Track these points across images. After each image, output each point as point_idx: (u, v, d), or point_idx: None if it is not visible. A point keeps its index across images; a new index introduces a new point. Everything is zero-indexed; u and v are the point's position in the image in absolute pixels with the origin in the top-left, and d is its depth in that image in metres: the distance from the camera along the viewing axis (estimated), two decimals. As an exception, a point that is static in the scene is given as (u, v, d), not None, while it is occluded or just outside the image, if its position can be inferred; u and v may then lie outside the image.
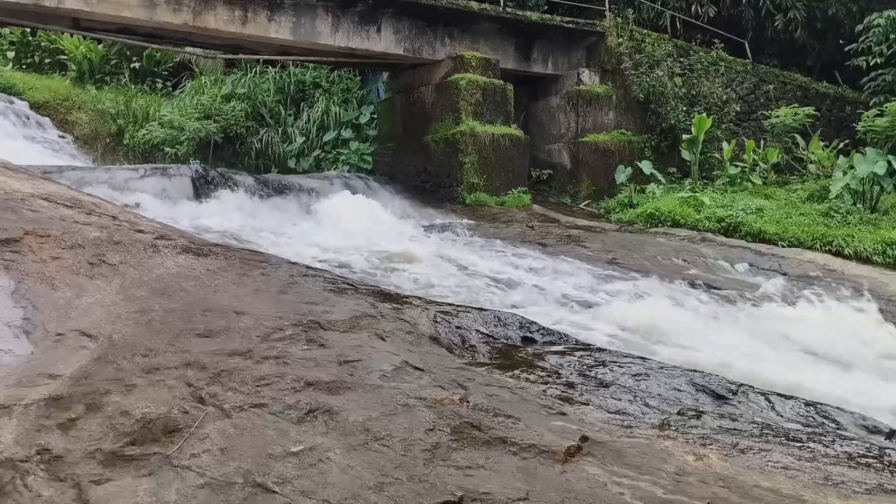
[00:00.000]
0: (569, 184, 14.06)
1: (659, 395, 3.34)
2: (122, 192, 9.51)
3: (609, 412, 2.97)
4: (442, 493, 2.15)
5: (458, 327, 4.07)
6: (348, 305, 4.02)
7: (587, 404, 3.05)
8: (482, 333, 4.12)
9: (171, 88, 17.63)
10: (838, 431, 3.22)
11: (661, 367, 3.78)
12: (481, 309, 4.77)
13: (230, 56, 13.98)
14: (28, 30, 17.10)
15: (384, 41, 12.91)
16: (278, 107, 15.81)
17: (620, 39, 14.25)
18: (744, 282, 8.39)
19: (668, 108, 13.84)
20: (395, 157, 14.23)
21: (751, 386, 3.68)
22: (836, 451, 2.76)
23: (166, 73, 18.15)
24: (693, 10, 16.89)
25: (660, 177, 13.08)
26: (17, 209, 4.31)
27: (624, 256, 9.09)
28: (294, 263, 5.19)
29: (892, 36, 14.10)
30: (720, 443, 2.69)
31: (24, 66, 17.86)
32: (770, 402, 3.46)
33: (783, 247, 9.70)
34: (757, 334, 6.10)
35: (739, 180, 13.04)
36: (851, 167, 10.58)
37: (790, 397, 3.61)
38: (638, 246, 9.62)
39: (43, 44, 18.06)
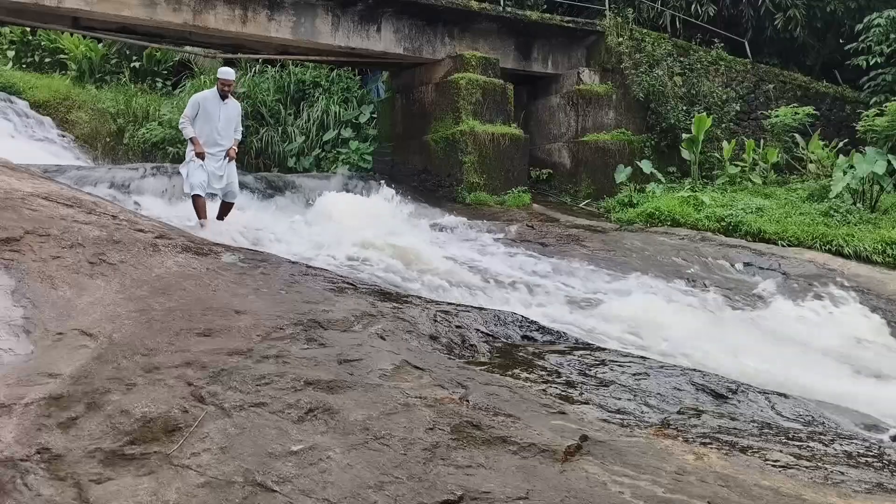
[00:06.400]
0: (569, 183, 14.05)
1: (659, 394, 3.35)
2: (122, 192, 9.51)
3: (609, 411, 2.97)
4: (442, 492, 2.15)
5: (458, 326, 4.07)
6: (348, 304, 4.02)
7: (587, 403, 3.05)
8: (482, 332, 4.12)
9: (171, 88, 17.60)
10: (838, 430, 3.22)
11: (661, 367, 3.78)
12: (481, 308, 4.77)
13: (230, 55, 13.98)
14: (28, 29, 17.09)
15: (384, 40, 12.91)
16: (278, 106, 15.80)
17: (620, 39, 14.24)
18: (743, 281, 8.40)
19: (668, 108, 13.84)
20: (395, 157, 14.22)
21: (750, 385, 3.68)
22: (835, 450, 2.76)
23: (166, 72, 18.13)
24: (693, 9, 16.88)
25: (660, 176, 13.07)
26: (18, 208, 4.31)
27: (624, 255, 9.09)
28: (294, 262, 5.19)
29: (892, 35, 14.10)
30: (720, 442, 2.69)
31: (24, 66, 17.84)
32: (770, 401, 3.47)
33: (783, 246, 9.70)
34: (756, 333, 6.11)
35: (739, 180, 13.04)
36: (851, 167, 10.58)
37: (790, 396, 3.61)
38: (638, 245, 9.62)
39: (43, 43, 18.04)
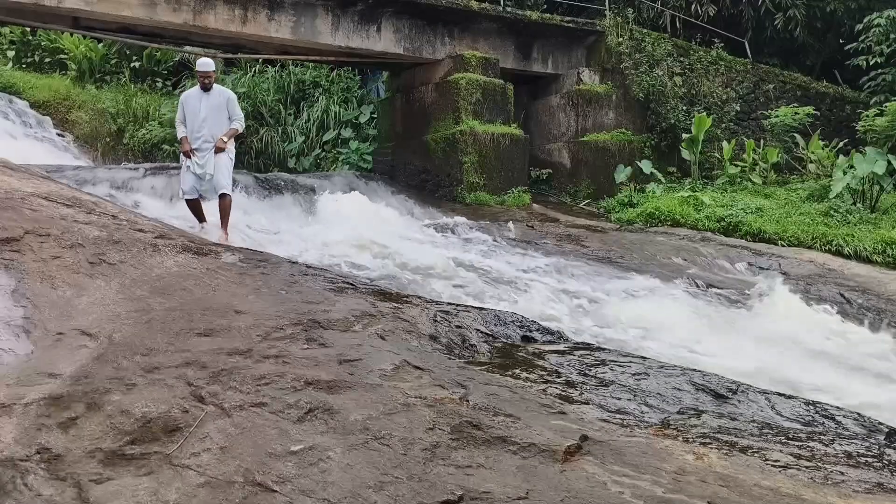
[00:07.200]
0: (569, 183, 14.06)
1: (659, 394, 3.34)
2: (122, 192, 9.50)
3: (609, 411, 2.97)
4: (442, 492, 2.15)
5: (458, 326, 4.07)
6: (348, 304, 4.02)
7: (587, 403, 3.05)
8: (482, 332, 4.12)
9: (171, 87, 17.59)
10: (838, 431, 3.22)
11: (661, 367, 3.78)
12: (481, 308, 4.77)
13: (230, 55, 13.98)
14: (28, 29, 17.09)
15: (384, 40, 12.91)
16: (278, 106, 15.79)
17: (620, 39, 14.25)
18: (743, 281, 8.40)
19: (668, 108, 13.84)
20: (395, 157, 14.22)
21: (750, 385, 3.68)
22: (835, 450, 2.76)
23: (166, 72, 18.12)
24: (693, 9, 16.88)
25: (660, 176, 13.08)
26: (18, 208, 4.32)
27: (624, 255, 9.09)
28: (294, 262, 5.19)
29: (892, 35, 14.10)
30: (720, 442, 2.69)
31: (24, 66, 17.83)
32: (770, 401, 3.46)
33: (783, 246, 9.70)
34: (756, 333, 6.11)
35: (739, 180, 13.04)
36: (851, 167, 10.58)
37: (790, 396, 3.61)
38: (638, 245, 9.63)
39: (43, 43, 18.03)
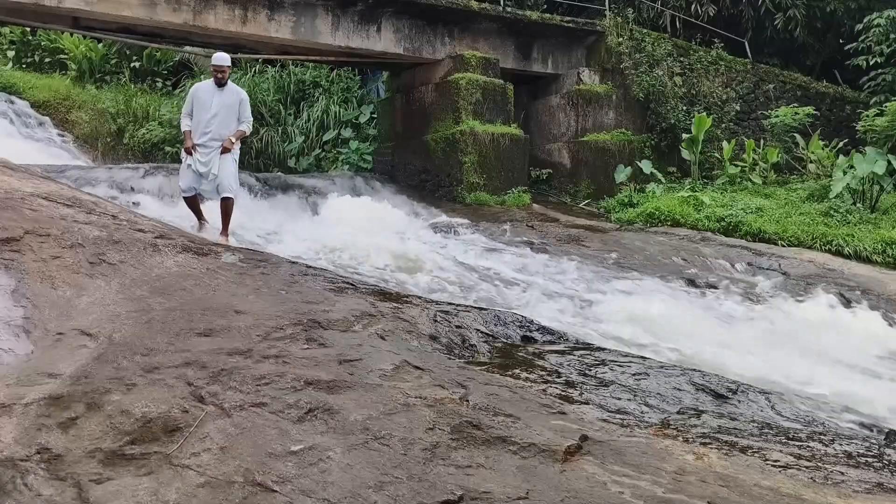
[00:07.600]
0: (569, 183, 14.05)
1: (659, 394, 3.35)
2: (122, 192, 9.51)
3: (609, 411, 2.97)
4: (442, 492, 2.15)
5: (458, 326, 4.07)
6: (348, 304, 4.02)
7: (587, 403, 3.06)
8: (482, 332, 4.12)
9: (171, 87, 17.60)
10: (838, 430, 3.22)
11: (661, 367, 3.78)
12: (481, 308, 4.77)
13: (230, 55, 13.97)
14: (28, 29, 17.09)
15: (384, 40, 12.90)
16: (278, 106, 15.79)
17: (620, 39, 14.25)
18: (743, 281, 8.40)
19: (668, 108, 13.84)
20: (395, 157, 14.22)
21: (750, 385, 3.68)
22: (835, 450, 2.77)
23: (166, 72, 18.12)
24: (693, 9, 16.88)
25: (660, 176, 13.07)
26: (18, 208, 4.32)
27: (624, 255, 9.09)
28: (294, 262, 5.19)
29: (892, 35, 14.10)
30: (720, 442, 2.70)
31: (24, 66, 17.84)
32: (770, 401, 3.47)
33: (783, 246, 9.70)
34: (755, 333, 6.11)
35: (739, 180, 13.03)
36: (851, 167, 10.58)
37: (790, 397, 3.62)
38: (638, 245, 9.62)
39: (43, 43, 18.04)
